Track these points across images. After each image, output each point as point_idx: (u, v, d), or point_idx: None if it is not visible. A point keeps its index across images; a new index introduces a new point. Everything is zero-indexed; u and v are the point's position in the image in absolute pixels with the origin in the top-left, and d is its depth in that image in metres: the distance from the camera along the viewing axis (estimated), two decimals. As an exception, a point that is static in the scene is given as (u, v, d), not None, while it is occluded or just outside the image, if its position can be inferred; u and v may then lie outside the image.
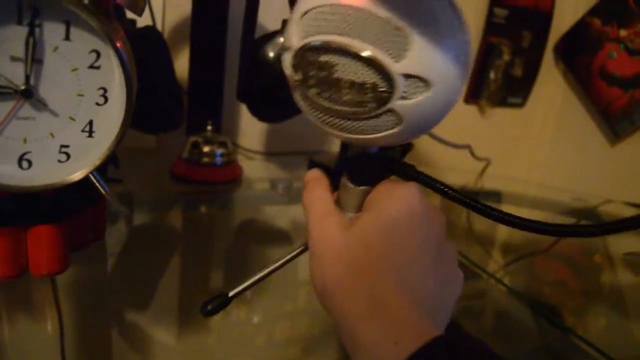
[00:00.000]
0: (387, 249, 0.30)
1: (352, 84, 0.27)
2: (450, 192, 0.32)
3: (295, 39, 0.29)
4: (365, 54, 0.26)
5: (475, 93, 1.21)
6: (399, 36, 0.26)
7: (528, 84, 1.27)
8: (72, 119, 0.35)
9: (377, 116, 0.29)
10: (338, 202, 0.35)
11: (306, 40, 0.28)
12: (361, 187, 0.34)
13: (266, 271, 0.37)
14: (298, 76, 0.30)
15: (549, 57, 1.26)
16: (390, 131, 0.29)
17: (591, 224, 0.31)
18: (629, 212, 1.00)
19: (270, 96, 0.69)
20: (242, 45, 0.70)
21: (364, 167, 0.34)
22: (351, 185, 0.34)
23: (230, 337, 0.47)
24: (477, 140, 1.17)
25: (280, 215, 0.76)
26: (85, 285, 0.50)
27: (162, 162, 0.80)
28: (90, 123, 0.35)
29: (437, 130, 0.93)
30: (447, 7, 0.28)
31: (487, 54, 1.18)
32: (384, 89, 0.27)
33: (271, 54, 0.66)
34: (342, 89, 0.28)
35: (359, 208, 0.34)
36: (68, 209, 0.40)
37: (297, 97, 0.32)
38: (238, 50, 0.72)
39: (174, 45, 0.85)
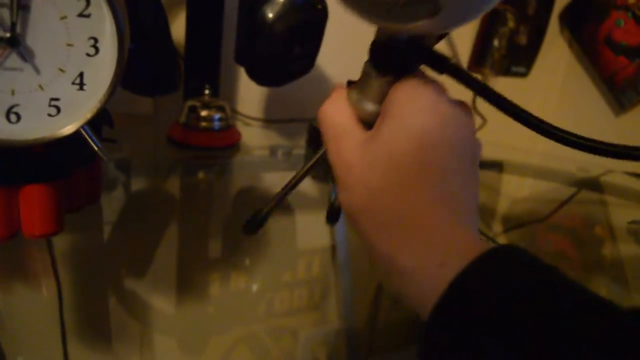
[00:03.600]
0: (418, 162, 0.27)
1: None
2: (489, 91, 0.29)
3: None
4: None
5: (479, 61, 1.19)
6: None
7: (532, 53, 1.25)
8: (61, 70, 0.33)
9: (412, 3, 0.25)
10: (357, 89, 0.32)
11: None
12: (386, 77, 0.30)
13: (292, 182, 0.36)
14: None
15: (554, 25, 1.24)
16: (426, 20, 0.25)
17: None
18: (630, 182, 1.00)
19: (270, 58, 0.67)
20: (240, 6, 0.69)
21: (391, 54, 0.30)
22: (375, 73, 0.30)
23: (229, 306, 0.47)
24: (479, 109, 1.16)
25: (279, 182, 0.75)
26: (82, 252, 0.50)
27: (159, 128, 0.79)
28: (81, 75, 0.34)
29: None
30: None
31: (491, 21, 1.15)
32: None
33: (270, 15, 0.64)
34: None
35: (381, 99, 0.30)
36: (61, 167, 0.38)
37: None
38: (236, 10, 0.70)
39: (170, 6, 0.83)
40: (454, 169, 0.27)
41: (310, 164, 0.35)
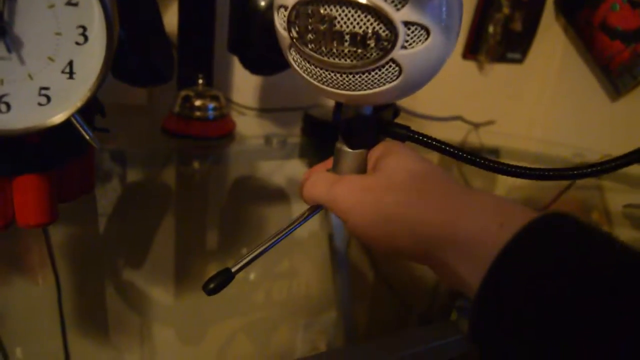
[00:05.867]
0: (432, 176, 0.30)
1: (354, 35, 0.27)
2: (447, 148, 0.33)
3: None
4: (367, 2, 0.26)
5: (474, 48, 1.18)
6: None
7: (528, 39, 1.24)
8: (51, 59, 0.33)
9: (378, 68, 0.28)
10: (334, 168, 0.35)
11: None
12: (358, 151, 0.34)
13: (268, 244, 0.35)
14: (294, 33, 0.29)
15: (549, 10, 1.24)
16: (390, 84, 0.29)
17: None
18: (629, 167, 1.00)
19: (263, 47, 0.67)
20: (233, -6, 0.68)
21: (359, 130, 0.34)
22: (347, 150, 0.34)
23: (227, 296, 0.47)
24: (475, 96, 1.16)
25: (274, 171, 0.76)
26: (79, 244, 0.50)
27: (154, 118, 0.79)
28: (71, 64, 0.34)
29: (434, 87, 0.91)
30: None
31: (486, 7, 1.15)
32: (386, 39, 0.27)
33: (262, 3, 0.64)
34: (343, 42, 0.27)
35: (357, 172, 0.34)
36: (54, 157, 0.38)
37: (293, 56, 0.31)
38: (229, -1, 0.69)
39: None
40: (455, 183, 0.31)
41: (291, 226, 0.36)
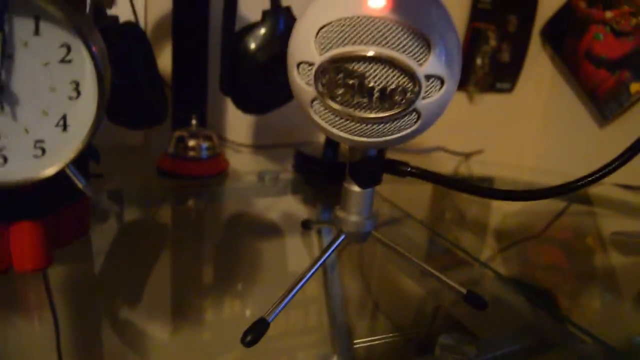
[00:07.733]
0: None
1: (383, 90, 0.29)
2: (445, 180, 0.36)
3: (314, 52, 0.30)
4: (394, 59, 0.28)
5: (463, 80, 1.21)
6: (421, 40, 0.29)
7: (516, 69, 1.27)
8: (45, 113, 0.35)
9: (400, 117, 0.31)
10: (343, 208, 0.38)
11: (336, 51, 0.29)
12: (367, 190, 0.37)
13: (298, 286, 0.38)
14: (320, 88, 0.31)
15: (535, 41, 1.26)
16: (409, 129, 0.32)
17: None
18: (619, 193, 1.01)
19: (254, 88, 0.69)
20: (223, 38, 0.70)
21: (368, 171, 0.37)
22: (358, 190, 0.37)
23: (224, 332, 0.47)
24: (466, 127, 1.17)
25: (268, 207, 0.76)
26: (74, 284, 0.50)
27: (150, 158, 0.80)
28: (64, 117, 0.35)
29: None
30: (444, 8, 0.30)
31: (473, 40, 1.18)
32: (411, 91, 0.29)
33: (252, 46, 0.66)
34: (372, 96, 0.30)
35: (366, 210, 0.38)
36: (50, 204, 0.40)
37: (315, 109, 0.33)
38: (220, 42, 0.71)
39: (157, 41, 0.85)
40: None
41: (309, 270, 0.39)
